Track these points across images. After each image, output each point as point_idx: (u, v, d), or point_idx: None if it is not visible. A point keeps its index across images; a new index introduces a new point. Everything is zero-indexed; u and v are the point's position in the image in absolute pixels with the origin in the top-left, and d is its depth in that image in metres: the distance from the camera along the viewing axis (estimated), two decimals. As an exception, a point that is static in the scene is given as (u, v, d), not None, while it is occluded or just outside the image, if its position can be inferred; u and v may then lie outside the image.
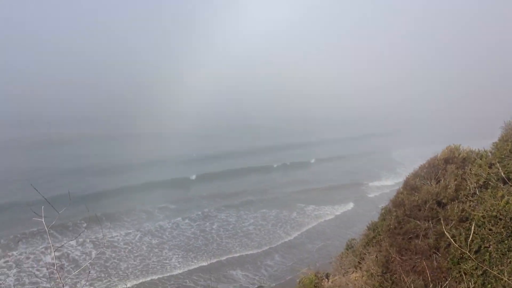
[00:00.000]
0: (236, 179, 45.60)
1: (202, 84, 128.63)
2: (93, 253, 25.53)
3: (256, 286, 23.82)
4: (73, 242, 26.13)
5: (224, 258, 26.72)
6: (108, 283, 22.70)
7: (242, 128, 71.44)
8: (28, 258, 24.68)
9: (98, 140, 58.44)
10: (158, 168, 46.28)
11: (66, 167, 43.46)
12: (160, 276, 23.82)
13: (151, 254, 26.81)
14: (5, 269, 23.20)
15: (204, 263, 25.80)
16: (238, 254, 27.34)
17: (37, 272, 23.08)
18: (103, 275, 23.42)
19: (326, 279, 18.05)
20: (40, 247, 25.97)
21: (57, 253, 23.78)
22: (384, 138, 71.58)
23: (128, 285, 22.41)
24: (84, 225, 29.33)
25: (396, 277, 11.93)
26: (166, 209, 35.07)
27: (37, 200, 26.91)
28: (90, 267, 23.21)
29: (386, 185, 43.64)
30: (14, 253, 25.23)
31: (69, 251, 25.62)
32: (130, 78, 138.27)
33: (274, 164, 51.47)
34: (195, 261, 26.03)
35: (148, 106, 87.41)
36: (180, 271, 24.66)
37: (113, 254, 26.06)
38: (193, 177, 43.97)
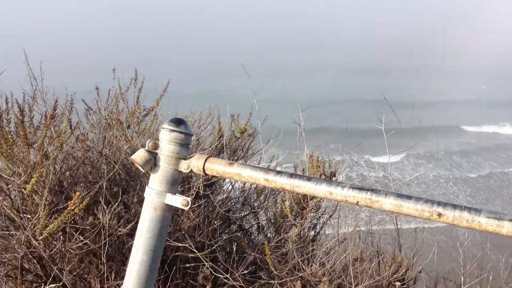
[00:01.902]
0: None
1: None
2: (381, 173, 26.99)
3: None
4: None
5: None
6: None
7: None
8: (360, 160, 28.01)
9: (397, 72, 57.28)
10: (452, 109, 42.53)
11: (371, 98, 42.56)
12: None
13: (435, 184, 26.55)
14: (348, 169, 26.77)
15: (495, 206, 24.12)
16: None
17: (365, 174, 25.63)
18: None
19: None
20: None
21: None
22: None
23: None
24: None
25: None
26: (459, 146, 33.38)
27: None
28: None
29: None
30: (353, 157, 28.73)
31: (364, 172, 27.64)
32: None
33: None
34: (485, 202, 24.51)
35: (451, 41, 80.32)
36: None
37: (400, 176, 26.77)
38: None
